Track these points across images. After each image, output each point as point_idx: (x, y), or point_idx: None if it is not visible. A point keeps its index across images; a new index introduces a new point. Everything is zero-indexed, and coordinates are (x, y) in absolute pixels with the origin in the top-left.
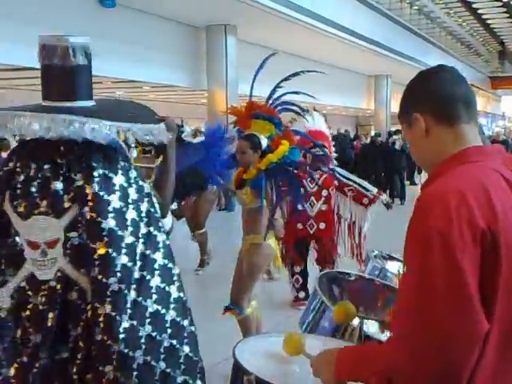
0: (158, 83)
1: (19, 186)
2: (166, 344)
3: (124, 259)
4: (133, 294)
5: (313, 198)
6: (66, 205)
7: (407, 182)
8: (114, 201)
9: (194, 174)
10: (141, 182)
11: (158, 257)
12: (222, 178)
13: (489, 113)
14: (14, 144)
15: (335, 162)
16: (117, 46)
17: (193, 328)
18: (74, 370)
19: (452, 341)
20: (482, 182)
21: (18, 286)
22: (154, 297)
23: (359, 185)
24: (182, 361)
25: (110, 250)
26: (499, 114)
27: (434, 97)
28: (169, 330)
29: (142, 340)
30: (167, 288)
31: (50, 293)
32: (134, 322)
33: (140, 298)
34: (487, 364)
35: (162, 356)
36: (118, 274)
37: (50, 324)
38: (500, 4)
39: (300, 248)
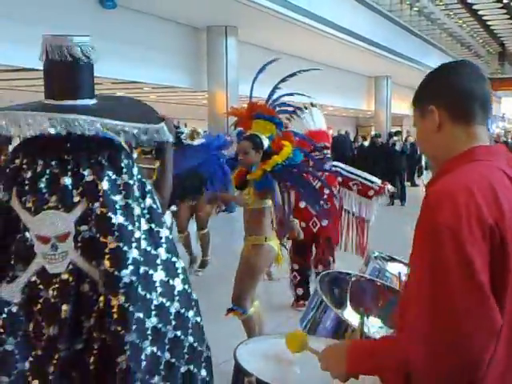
0: (158, 84)
1: (27, 182)
2: (170, 335)
3: (135, 253)
4: (140, 288)
5: None
6: (76, 199)
7: (407, 184)
8: (122, 197)
9: (193, 176)
10: (143, 179)
11: (161, 252)
12: (223, 180)
13: None
14: (15, 142)
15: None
16: (117, 47)
17: (198, 319)
18: (92, 359)
19: (468, 335)
20: (490, 181)
21: (28, 280)
22: (159, 290)
23: (363, 178)
24: (186, 351)
25: (121, 244)
26: (499, 116)
27: (452, 92)
28: (173, 322)
29: (149, 331)
30: (171, 281)
31: (63, 286)
32: (141, 315)
33: (144, 292)
34: (499, 360)
35: (167, 347)
36: (130, 267)
37: (63, 316)
38: (500, 5)
39: (301, 246)
